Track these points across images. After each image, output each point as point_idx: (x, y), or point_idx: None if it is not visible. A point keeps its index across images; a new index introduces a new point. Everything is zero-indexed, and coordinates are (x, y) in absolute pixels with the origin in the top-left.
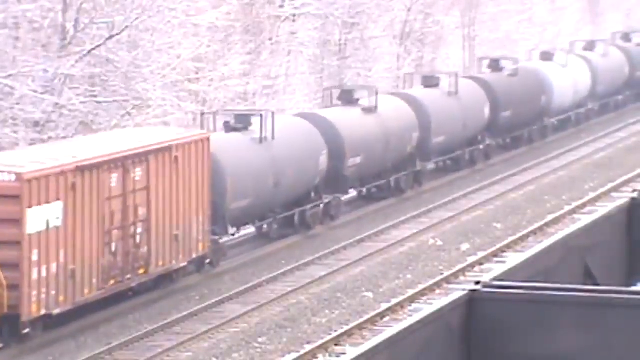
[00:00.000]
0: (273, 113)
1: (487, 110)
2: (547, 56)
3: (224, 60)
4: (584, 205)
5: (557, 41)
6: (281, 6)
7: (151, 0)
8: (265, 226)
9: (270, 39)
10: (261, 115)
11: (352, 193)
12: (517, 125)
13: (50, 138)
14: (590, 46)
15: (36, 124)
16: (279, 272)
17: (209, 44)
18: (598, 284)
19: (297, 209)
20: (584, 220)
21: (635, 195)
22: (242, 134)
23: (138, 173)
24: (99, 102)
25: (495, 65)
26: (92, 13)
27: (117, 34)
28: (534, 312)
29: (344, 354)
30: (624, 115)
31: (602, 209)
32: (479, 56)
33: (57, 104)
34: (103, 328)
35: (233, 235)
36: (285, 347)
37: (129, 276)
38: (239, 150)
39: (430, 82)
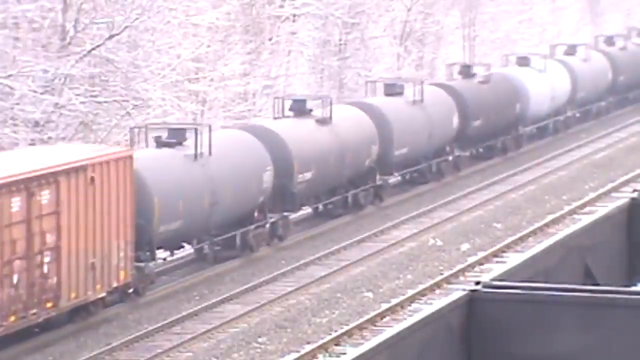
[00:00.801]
0: (210, 127)
1: (455, 120)
2: (523, 61)
3: (224, 60)
4: (584, 205)
5: (557, 41)
6: (281, 6)
7: (151, 0)
8: (206, 248)
9: (270, 39)
10: (196, 130)
11: (307, 210)
12: (489, 135)
13: (50, 138)
14: (571, 50)
15: (36, 124)
16: (279, 272)
17: (209, 44)
18: (598, 284)
19: (239, 230)
20: (584, 220)
21: (635, 195)
22: (174, 149)
23: (45, 196)
24: (99, 102)
25: (466, 72)
26: (92, 13)
27: (117, 34)
28: (534, 312)
29: (344, 354)
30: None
31: (602, 209)
32: (447, 62)
33: (57, 104)
34: (103, 328)
35: (165, 259)
36: (285, 347)
37: (34, 311)
38: (169, 168)
39: (392, 90)
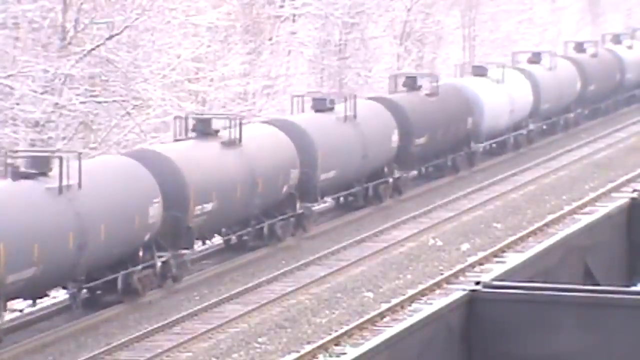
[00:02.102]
0: (80, 154)
1: (395, 137)
2: (479, 71)
3: (224, 60)
4: (584, 205)
5: (557, 41)
6: (281, 6)
7: (151, 0)
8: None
9: (270, 39)
10: (60, 159)
11: (211, 243)
12: (436, 153)
13: (50, 138)
14: (535, 58)
15: (36, 124)
16: (279, 272)
17: (209, 44)
18: (598, 284)
19: (121, 272)
20: (584, 220)
21: (635, 195)
22: (34, 181)
23: None
24: (99, 102)
25: (411, 84)
26: (92, 13)
27: (117, 34)
28: (534, 312)
29: (344, 354)
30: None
31: (602, 209)
32: (392, 74)
33: (57, 104)
34: (103, 328)
35: (21, 311)
36: (285, 347)
37: None
38: (23, 206)
39: (321, 105)
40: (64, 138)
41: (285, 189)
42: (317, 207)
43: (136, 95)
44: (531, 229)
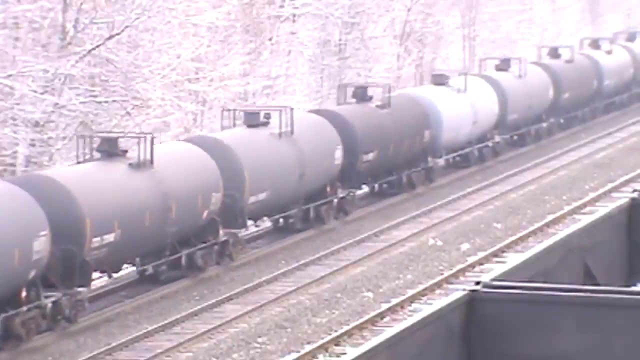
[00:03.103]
0: None
1: (339, 154)
2: (439, 79)
3: (224, 60)
4: (584, 205)
5: (557, 41)
6: (281, 6)
7: (151, 0)
8: None
9: (270, 39)
10: None
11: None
12: (387, 170)
13: (50, 138)
14: (503, 65)
15: (36, 124)
16: (279, 272)
17: (209, 44)
18: (598, 284)
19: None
20: (584, 220)
21: (635, 195)
22: None
23: None
24: (99, 102)
25: (361, 94)
26: (92, 13)
27: (117, 34)
28: (534, 312)
29: (344, 354)
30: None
31: (602, 209)
32: (341, 83)
33: (57, 104)
34: (103, 328)
35: None
36: (285, 347)
37: None
38: None
39: (254, 120)
40: (64, 138)
41: (205, 214)
42: (246, 232)
43: (136, 95)
44: (531, 229)
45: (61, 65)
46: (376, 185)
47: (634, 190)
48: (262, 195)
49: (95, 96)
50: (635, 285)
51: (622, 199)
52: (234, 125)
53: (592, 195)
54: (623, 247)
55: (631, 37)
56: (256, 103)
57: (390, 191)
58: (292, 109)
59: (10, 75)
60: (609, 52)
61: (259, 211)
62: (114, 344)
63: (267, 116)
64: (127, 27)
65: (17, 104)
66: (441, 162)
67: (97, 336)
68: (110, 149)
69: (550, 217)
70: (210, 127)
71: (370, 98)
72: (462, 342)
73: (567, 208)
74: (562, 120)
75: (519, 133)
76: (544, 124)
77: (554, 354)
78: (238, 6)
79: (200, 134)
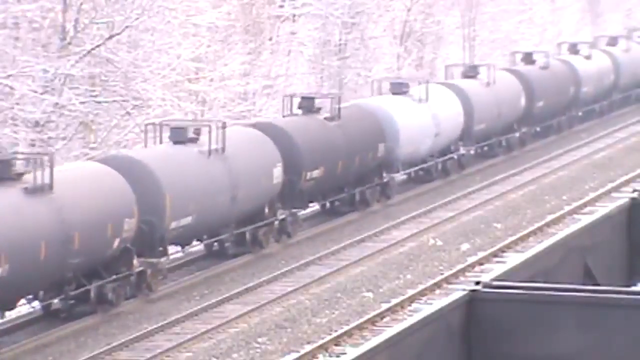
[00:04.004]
0: None
1: (278, 172)
2: (398, 88)
3: (224, 60)
4: (584, 205)
5: (557, 41)
6: (281, 6)
7: (151, 0)
8: None
9: (270, 39)
10: None
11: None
12: (337, 187)
13: (50, 138)
14: (472, 72)
15: (36, 124)
16: (279, 272)
17: (209, 44)
18: (598, 284)
19: None
20: (584, 220)
21: (635, 195)
22: None
23: None
24: (99, 102)
25: (307, 106)
26: (92, 13)
27: (117, 34)
28: (534, 312)
29: (344, 354)
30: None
31: (602, 209)
32: (285, 94)
33: (57, 104)
34: (103, 328)
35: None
36: (285, 347)
37: None
38: None
39: (180, 136)
40: (64, 138)
41: (117, 243)
42: (165, 260)
43: (136, 95)
44: (531, 229)
45: (61, 65)
46: (327, 203)
47: (634, 190)
48: (186, 220)
49: (95, 96)
50: (635, 285)
51: (622, 199)
52: (161, 141)
53: (592, 195)
54: (623, 247)
55: (613, 42)
56: (256, 103)
57: (342, 209)
58: (223, 123)
59: (10, 75)
60: (587, 58)
61: (184, 237)
62: (114, 344)
63: (197, 132)
64: (127, 27)
65: (17, 104)
66: (399, 177)
67: (97, 336)
68: (1, 173)
69: (550, 217)
70: None
71: (319, 110)
72: (462, 342)
73: (567, 208)
74: (538, 129)
75: (488, 144)
76: (516, 134)
77: (554, 354)
78: (238, 6)
79: (121, 150)
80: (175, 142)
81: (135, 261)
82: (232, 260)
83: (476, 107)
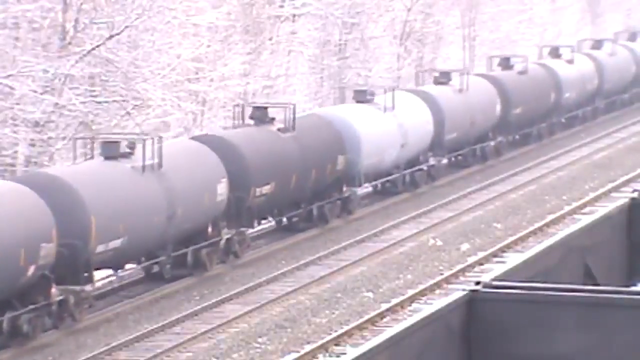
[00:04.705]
0: None
1: (223, 189)
2: (362, 96)
3: (224, 60)
4: (584, 205)
5: (557, 41)
6: (281, 6)
7: (151, 0)
8: None
9: (270, 39)
10: None
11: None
12: (291, 203)
13: (50, 138)
14: (444, 78)
15: (36, 124)
16: (279, 272)
17: (209, 44)
18: (598, 284)
19: None
20: (584, 220)
21: (635, 195)
22: None
23: None
24: (99, 102)
25: (260, 116)
26: (92, 13)
27: (117, 34)
28: (534, 312)
29: (344, 354)
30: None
31: (602, 209)
32: (236, 103)
33: (57, 104)
34: (103, 328)
35: None
36: (285, 347)
37: None
38: None
39: (112, 151)
40: (64, 138)
41: (32, 270)
42: (90, 287)
43: (136, 95)
44: (531, 229)
45: (61, 65)
46: (284, 220)
47: (634, 190)
48: (116, 243)
49: (95, 96)
50: (635, 285)
51: (622, 199)
52: (92, 156)
53: (592, 195)
54: (623, 247)
55: (597, 45)
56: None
57: (301, 226)
58: (160, 137)
59: (10, 75)
60: (570, 62)
61: (114, 261)
62: (114, 344)
63: (131, 146)
64: (127, 27)
65: (17, 104)
66: (362, 191)
67: (97, 336)
68: None
69: (550, 217)
70: (210, 127)
71: (272, 120)
72: (462, 342)
73: (567, 208)
74: (517, 137)
75: (460, 154)
76: (492, 143)
77: (554, 354)
78: (238, 6)
79: (42, 168)
80: (107, 158)
81: (54, 289)
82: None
83: (447, 115)
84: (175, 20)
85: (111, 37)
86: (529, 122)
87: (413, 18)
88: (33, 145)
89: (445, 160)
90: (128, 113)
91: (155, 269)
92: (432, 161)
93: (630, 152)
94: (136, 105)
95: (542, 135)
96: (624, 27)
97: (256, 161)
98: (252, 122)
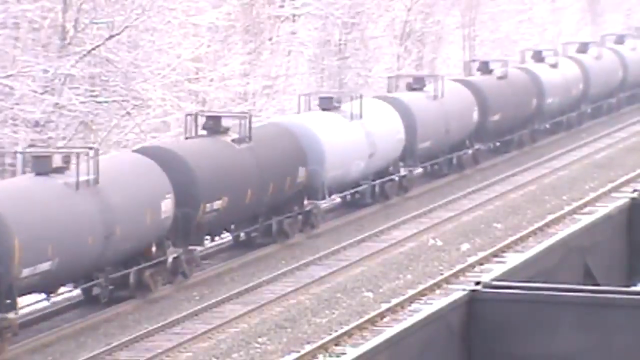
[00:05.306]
0: None
1: (169, 205)
2: (327, 104)
3: (224, 60)
4: (584, 205)
5: (557, 41)
6: (281, 6)
7: (151, 0)
8: None
9: (270, 39)
10: None
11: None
12: (246, 218)
13: (50, 138)
14: (418, 84)
15: (36, 124)
16: (279, 272)
17: (209, 44)
18: (598, 284)
19: None
20: (584, 220)
21: (635, 195)
22: None
23: None
24: (99, 102)
25: (213, 126)
26: (92, 13)
27: (117, 34)
28: (534, 312)
29: (344, 354)
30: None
31: (602, 209)
32: (189, 112)
33: (57, 104)
34: (103, 328)
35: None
36: (285, 347)
37: None
38: None
39: (44, 167)
40: (64, 138)
41: None
42: (14, 314)
43: (136, 95)
44: (531, 229)
45: (61, 65)
46: (242, 234)
47: (634, 190)
48: (44, 266)
49: (95, 96)
50: (635, 285)
51: (622, 199)
52: (23, 171)
53: (592, 195)
54: (623, 247)
55: (583, 48)
56: (256, 103)
57: (261, 241)
58: (97, 151)
59: (10, 75)
60: (553, 66)
61: (42, 285)
62: (114, 344)
63: (66, 160)
64: (127, 27)
65: (17, 104)
66: (326, 204)
67: (97, 336)
68: None
69: (550, 217)
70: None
71: (227, 130)
72: (462, 342)
73: (567, 208)
74: (497, 144)
75: (435, 163)
76: (469, 151)
77: (554, 354)
78: (238, 6)
79: None
80: (38, 174)
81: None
82: (233, 260)
83: (420, 123)
84: (175, 20)
85: (111, 37)
86: (509, 129)
87: (413, 18)
88: (33, 145)
89: (420, 170)
90: (128, 113)
91: (97, 290)
92: (403, 171)
93: (630, 152)
94: (136, 105)
95: (524, 142)
96: (624, 27)
97: (206, 175)
98: (205, 132)
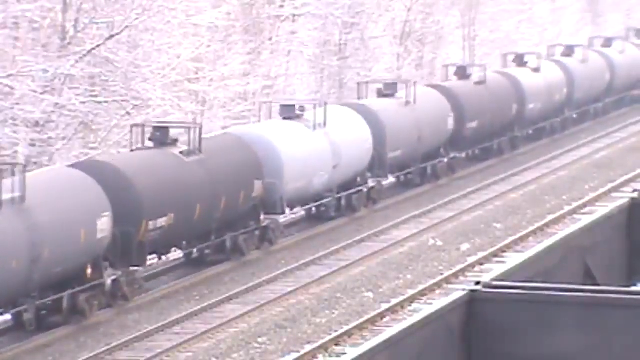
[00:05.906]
0: None
1: (106, 224)
2: (289, 112)
3: (224, 60)
4: (584, 205)
5: (557, 41)
6: (281, 6)
7: (151, 0)
8: None
9: (270, 39)
10: None
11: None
12: (193, 236)
13: (50, 138)
14: (389, 90)
15: (36, 124)
16: (279, 272)
17: (209, 44)
18: (598, 284)
19: None
20: (584, 220)
21: (635, 195)
22: None
23: None
24: (99, 102)
25: (160, 137)
26: (92, 13)
27: (117, 34)
28: (534, 312)
29: (344, 354)
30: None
31: (602, 209)
32: (135, 123)
33: (57, 104)
34: (103, 328)
35: None
36: (285, 347)
37: None
38: None
39: None
40: (64, 138)
41: None
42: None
43: (136, 95)
44: (531, 229)
45: (61, 65)
46: (195, 251)
47: (634, 190)
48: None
49: (95, 96)
50: (635, 285)
51: (622, 199)
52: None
53: (592, 195)
54: (623, 247)
55: (568, 51)
56: (256, 103)
57: (213, 258)
58: (24, 166)
59: (10, 75)
60: (536, 70)
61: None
62: (114, 344)
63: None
64: (127, 27)
65: (17, 104)
66: (284, 218)
67: (97, 336)
68: None
69: (550, 217)
70: (210, 126)
71: (175, 141)
72: (462, 342)
73: (567, 208)
74: (476, 152)
75: (406, 173)
76: (445, 160)
77: (554, 354)
78: (238, 6)
79: None
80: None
81: None
82: (232, 260)
83: (390, 131)
84: (175, 20)
85: (111, 37)
86: (488, 136)
87: (413, 18)
88: (33, 145)
89: (391, 180)
90: (128, 113)
91: (28, 316)
92: (371, 182)
93: (630, 152)
94: (136, 105)
95: (504, 150)
96: (624, 27)
97: (150, 190)
98: (151, 144)
